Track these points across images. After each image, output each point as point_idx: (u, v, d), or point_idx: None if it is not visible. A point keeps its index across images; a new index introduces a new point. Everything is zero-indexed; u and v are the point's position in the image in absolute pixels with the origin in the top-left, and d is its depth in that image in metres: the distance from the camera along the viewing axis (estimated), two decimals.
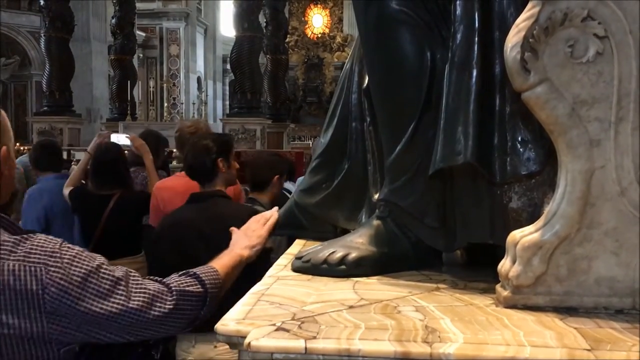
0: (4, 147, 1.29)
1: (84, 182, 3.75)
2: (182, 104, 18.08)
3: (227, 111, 17.12)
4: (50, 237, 1.25)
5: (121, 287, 1.26)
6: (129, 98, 12.40)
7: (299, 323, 0.96)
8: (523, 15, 1.03)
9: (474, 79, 1.18)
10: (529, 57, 1.01)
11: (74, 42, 11.73)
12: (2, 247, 1.17)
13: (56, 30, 11.01)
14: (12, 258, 1.16)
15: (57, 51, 11.06)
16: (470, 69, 1.19)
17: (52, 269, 1.18)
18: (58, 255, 1.21)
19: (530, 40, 1.01)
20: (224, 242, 1.59)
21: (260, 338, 0.90)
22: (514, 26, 1.04)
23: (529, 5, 1.03)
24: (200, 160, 2.69)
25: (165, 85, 17.56)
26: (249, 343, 0.89)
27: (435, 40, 1.25)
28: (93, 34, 14.41)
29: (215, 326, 0.97)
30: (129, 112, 12.12)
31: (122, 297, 1.25)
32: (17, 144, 8.98)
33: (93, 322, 1.22)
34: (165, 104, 16.13)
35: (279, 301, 1.09)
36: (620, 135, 1.00)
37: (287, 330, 0.92)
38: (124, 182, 3.48)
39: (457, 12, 1.22)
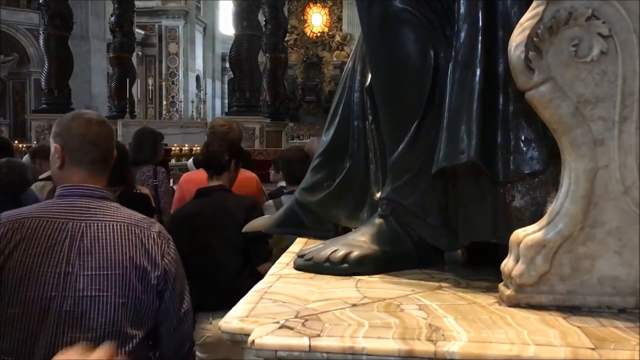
0: (115, 149, 1.90)
1: None
2: (181, 102, 18.05)
3: (226, 110, 17.12)
4: (164, 228, 1.84)
5: (188, 294, 1.82)
6: (127, 96, 12.36)
7: (303, 321, 0.96)
8: (527, 14, 1.03)
9: (477, 78, 1.18)
10: (533, 56, 1.01)
11: (72, 39, 11.69)
12: (146, 220, 1.79)
13: (55, 28, 10.96)
14: (152, 230, 1.76)
15: (56, 49, 11.03)
16: (474, 68, 1.19)
17: (167, 250, 1.75)
18: (172, 244, 1.79)
19: (535, 39, 1.01)
20: (231, 231, 1.75)
21: (264, 336, 0.90)
22: (518, 25, 1.04)
23: (534, 4, 1.03)
24: (218, 156, 3.07)
25: (164, 83, 17.54)
26: (253, 341, 0.89)
27: (439, 39, 1.25)
28: (92, 32, 14.37)
29: (219, 323, 0.97)
30: (127, 110, 12.08)
31: (188, 302, 1.81)
32: (16, 142, 8.98)
33: (166, 310, 1.73)
34: (164, 102, 16.08)
35: (281, 299, 1.09)
36: (624, 135, 1.00)
37: (291, 328, 0.92)
38: (126, 180, 3.50)
39: (461, 11, 1.22)
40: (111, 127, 1.90)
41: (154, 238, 1.74)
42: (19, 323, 1.56)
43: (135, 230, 1.72)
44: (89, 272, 1.62)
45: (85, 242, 1.65)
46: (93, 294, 1.61)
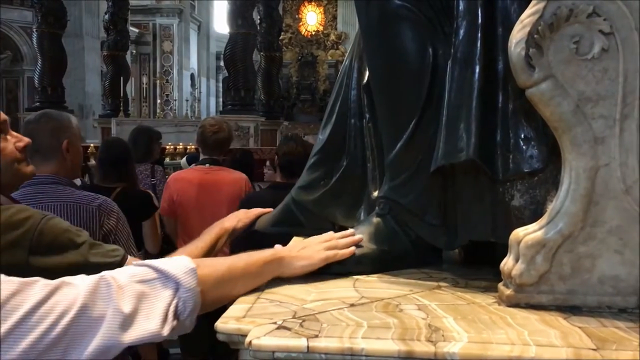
0: (66, 141, 2.19)
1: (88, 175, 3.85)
2: (175, 100, 17.99)
3: (221, 108, 17.07)
4: (107, 202, 2.27)
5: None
6: (121, 94, 12.31)
7: (300, 321, 0.94)
8: (528, 11, 1.01)
9: (476, 76, 1.17)
10: (533, 53, 1.00)
11: (66, 37, 11.65)
12: (88, 197, 2.21)
13: (49, 26, 10.92)
14: (92, 205, 2.19)
15: (49, 47, 10.98)
16: (473, 65, 1.17)
17: (105, 221, 2.19)
18: (113, 215, 2.22)
19: (535, 36, 1.00)
20: None
21: (261, 337, 0.88)
22: (518, 22, 1.03)
23: (534, 1, 1.02)
24: (303, 160, 3.16)
25: (158, 81, 17.48)
26: (250, 342, 0.87)
27: (438, 36, 1.24)
28: (86, 30, 14.34)
29: (215, 324, 0.96)
30: (121, 108, 12.03)
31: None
32: None
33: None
34: (159, 101, 16.03)
35: (278, 299, 1.07)
36: (625, 133, 0.99)
37: (289, 329, 0.91)
38: (128, 177, 3.49)
39: (460, 8, 1.20)
40: (57, 121, 2.23)
41: (92, 212, 2.17)
42: None
43: (74, 207, 2.14)
44: None
45: None
46: None
